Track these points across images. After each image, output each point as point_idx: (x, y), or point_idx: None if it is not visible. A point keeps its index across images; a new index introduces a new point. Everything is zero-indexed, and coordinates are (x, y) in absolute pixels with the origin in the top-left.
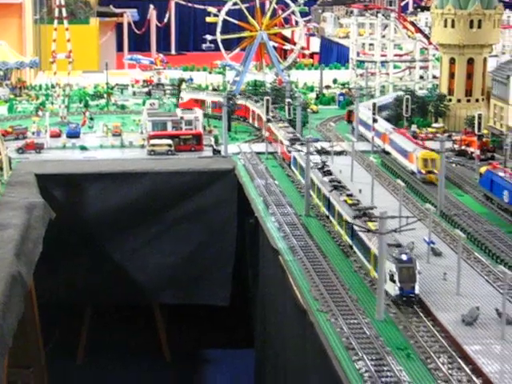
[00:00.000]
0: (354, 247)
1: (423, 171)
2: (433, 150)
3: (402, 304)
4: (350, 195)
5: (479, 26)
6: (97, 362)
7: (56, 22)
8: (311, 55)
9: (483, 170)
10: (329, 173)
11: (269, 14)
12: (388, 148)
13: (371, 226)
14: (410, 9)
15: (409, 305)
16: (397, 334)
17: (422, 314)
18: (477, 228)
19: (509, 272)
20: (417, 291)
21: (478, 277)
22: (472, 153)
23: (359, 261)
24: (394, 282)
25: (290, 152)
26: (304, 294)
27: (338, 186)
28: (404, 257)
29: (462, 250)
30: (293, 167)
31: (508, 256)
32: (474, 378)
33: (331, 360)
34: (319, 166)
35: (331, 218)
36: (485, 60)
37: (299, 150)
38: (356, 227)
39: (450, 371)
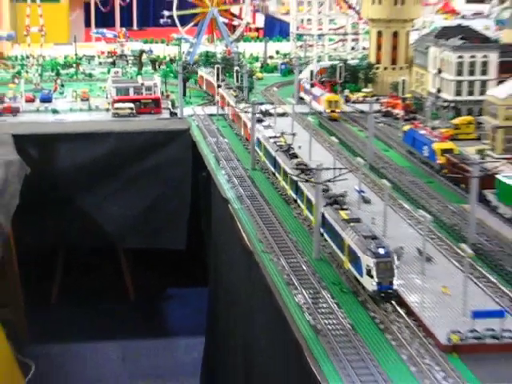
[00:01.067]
0: (298, 200)
1: (328, 110)
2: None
3: (378, 298)
4: (292, 154)
5: (403, 3)
6: (69, 301)
7: (29, 0)
8: (256, 29)
9: (406, 128)
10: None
11: None
12: (306, 97)
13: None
14: None
15: (388, 300)
16: (331, 271)
17: None
18: (401, 179)
19: (428, 216)
20: (395, 286)
21: (402, 221)
22: (397, 114)
23: (302, 212)
24: (371, 276)
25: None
26: (250, 238)
27: (283, 146)
28: (382, 251)
29: (388, 197)
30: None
31: (427, 202)
32: (398, 308)
33: (274, 294)
34: (265, 124)
35: (277, 174)
36: (407, 33)
37: (246, 111)
38: (298, 179)
39: (377, 302)
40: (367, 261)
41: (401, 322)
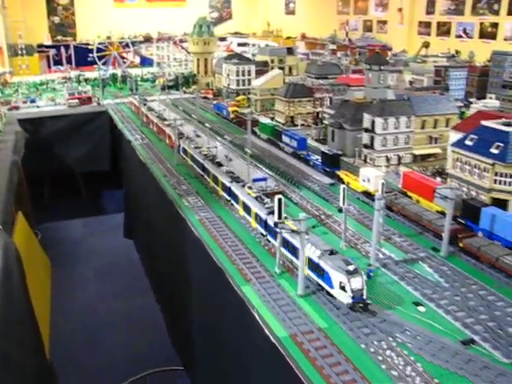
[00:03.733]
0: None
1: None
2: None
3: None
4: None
5: (208, 44)
6: (54, 202)
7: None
8: (137, 63)
9: (215, 102)
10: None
11: None
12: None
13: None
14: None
15: (361, 311)
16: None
17: None
18: (213, 125)
19: (228, 139)
20: (365, 296)
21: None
22: (209, 97)
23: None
24: (345, 291)
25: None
26: (144, 156)
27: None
28: (351, 268)
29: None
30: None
31: (227, 135)
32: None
33: (158, 181)
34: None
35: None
36: (211, 58)
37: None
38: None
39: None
40: (341, 278)
41: None
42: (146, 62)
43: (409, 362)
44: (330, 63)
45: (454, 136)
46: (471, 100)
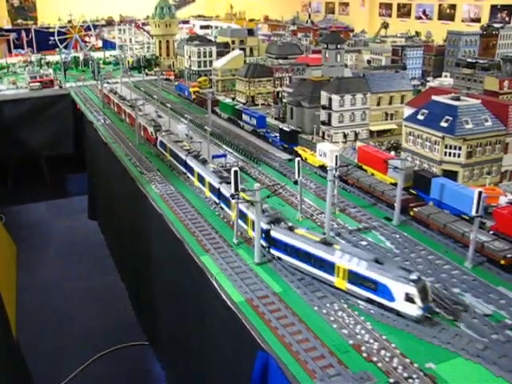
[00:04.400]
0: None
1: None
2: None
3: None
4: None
5: (170, 26)
6: (16, 186)
7: None
8: (99, 46)
9: (176, 83)
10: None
11: None
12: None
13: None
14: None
15: (451, 314)
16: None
17: None
18: (176, 106)
19: (189, 117)
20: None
21: (178, 122)
22: (171, 78)
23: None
24: (413, 303)
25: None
26: (105, 136)
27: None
28: (415, 276)
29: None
30: None
31: (188, 114)
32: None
33: (120, 160)
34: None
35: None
36: (173, 40)
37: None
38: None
39: None
40: (407, 289)
41: None
42: (108, 45)
43: (359, 321)
44: (290, 44)
45: (408, 112)
46: (428, 78)
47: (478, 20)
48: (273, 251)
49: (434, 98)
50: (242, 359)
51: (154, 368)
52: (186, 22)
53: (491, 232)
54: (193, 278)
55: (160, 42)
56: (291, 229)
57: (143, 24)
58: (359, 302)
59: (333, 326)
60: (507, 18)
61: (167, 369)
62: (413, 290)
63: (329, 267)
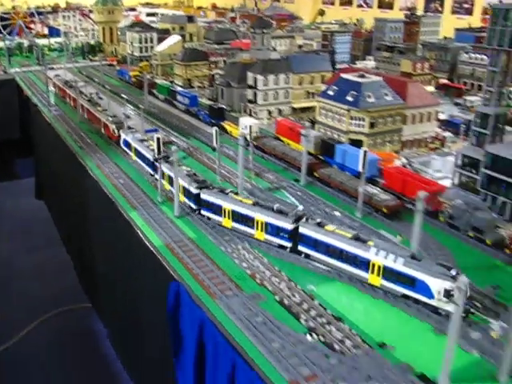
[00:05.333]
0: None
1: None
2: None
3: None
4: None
5: (113, 13)
6: None
7: None
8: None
9: (118, 68)
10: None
11: None
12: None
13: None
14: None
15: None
16: None
17: None
18: (118, 90)
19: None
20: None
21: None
22: (114, 63)
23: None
24: (450, 299)
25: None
26: (49, 118)
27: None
28: (454, 272)
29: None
30: None
31: (128, 95)
32: None
33: (63, 138)
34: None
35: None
36: (116, 27)
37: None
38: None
39: None
40: (445, 285)
41: None
42: (53, 32)
43: (257, 257)
44: (227, 29)
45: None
46: (356, 62)
47: (414, 9)
48: (301, 248)
49: (342, 75)
50: (160, 291)
51: (98, 327)
52: (132, 9)
53: (382, 189)
54: (123, 233)
55: (104, 28)
56: (320, 225)
57: (90, 11)
58: (258, 244)
59: (235, 261)
60: (440, 8)
61: (108, 326)
62: (453, 287)
63: (362, 264)
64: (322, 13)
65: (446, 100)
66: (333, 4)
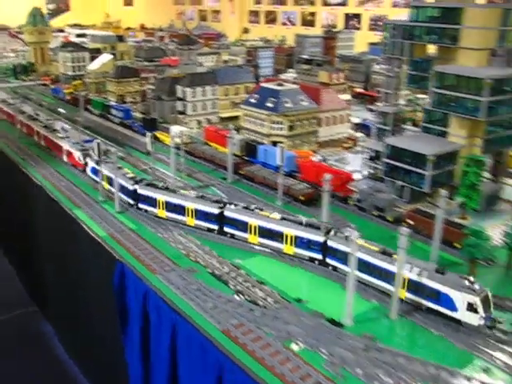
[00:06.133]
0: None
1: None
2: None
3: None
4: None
5: (43, 33)
6: None
7: None
8: None
9: (53, 86)
10: None
11: None
12: None
13: None
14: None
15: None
16: None
17: None
18: (55, 107)
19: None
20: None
21: None
22: (48, 83)
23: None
24: (476, 312)
25: None
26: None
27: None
28: (477, 286)
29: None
30: None
31: None
32: None
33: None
34: None
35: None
36: (47, 47)
37: None
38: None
39: None
40: (469, 298)
41: None
42: None
43: (192, 241)
44: (156, 48)
45: None
46: (279, 75)
47: (333, 26)
48: (328, 260)
49: (263, 84)
50: (106, 277)
51: (45, 328)
52: (61, 30)
53: (300, 181)
54: (69, 231)
55: (35, 49)
56: (349, 239)
57: (19, 32)
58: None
59: (171, 245)
60: (357, 25)
61: (56, 326)
62: (475, 300)
63: (388, 277)
64: (246, 31)
65: (360, 106)
66: (258, 23)
